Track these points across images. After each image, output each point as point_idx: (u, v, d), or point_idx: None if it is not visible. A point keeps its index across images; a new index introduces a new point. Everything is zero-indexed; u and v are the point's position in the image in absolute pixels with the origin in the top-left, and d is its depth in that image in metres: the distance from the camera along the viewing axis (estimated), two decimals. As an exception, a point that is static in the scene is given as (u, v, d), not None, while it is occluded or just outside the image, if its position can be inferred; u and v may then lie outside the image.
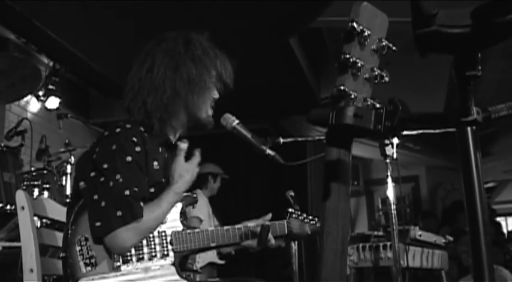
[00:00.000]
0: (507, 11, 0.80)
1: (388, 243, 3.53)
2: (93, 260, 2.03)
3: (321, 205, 0.94)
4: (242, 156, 7.51)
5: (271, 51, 5.94)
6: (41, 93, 6.19)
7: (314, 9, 5.10)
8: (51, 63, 6.38)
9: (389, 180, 3.25)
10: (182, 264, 2.34)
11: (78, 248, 2.03)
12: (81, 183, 2.09)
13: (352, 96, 1.04)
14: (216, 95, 2.36)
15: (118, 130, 2.12)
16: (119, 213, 2.00)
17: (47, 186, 3.94)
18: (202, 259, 5.35)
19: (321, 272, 1.01)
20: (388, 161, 3.27)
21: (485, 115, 0.98)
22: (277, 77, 6.54)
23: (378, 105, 1.06)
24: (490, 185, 11.73)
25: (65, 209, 2.39)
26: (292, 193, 3.04)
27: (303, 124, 7.52)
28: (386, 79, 1.11)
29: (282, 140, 2.68)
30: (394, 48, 1.13)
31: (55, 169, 4.25)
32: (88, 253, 2.03)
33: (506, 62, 6.52)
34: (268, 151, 2.28)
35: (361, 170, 11.25)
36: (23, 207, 2.23)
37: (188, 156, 2.23)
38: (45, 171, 4.02)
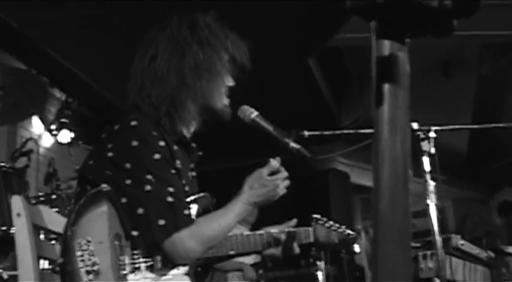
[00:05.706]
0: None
1: (429, 252, 3.22)
2: (95, 267, 1.75)
3: (372, 113, 0.70)
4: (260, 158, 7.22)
5: (289, 73, 5.75)
6: (53, 127, 6.04)
7: (330, 26, 4.92)
8: (63, 97, 6.25)
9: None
10: (198, 275, 2.07)
11: (78, 253, 1.75)
12: (104, 185, 1.82)
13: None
14: (231, 82, 2.12)
15: (134, 123, 1.88)
16: (162, 222, 1.78)
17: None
18: None
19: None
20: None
21: None
22: (296, 99, 6.33)
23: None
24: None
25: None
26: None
27: (322, 152, 7.25)
28: None
29: (307, 133, 2.40)
30: None
31: (64, 194, 4.02)
32: (90, 259, 1.75)
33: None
34: (292, 144, 2.05)
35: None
36: (18, 214, 1.99)
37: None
38: (53, 196, 3.81)
